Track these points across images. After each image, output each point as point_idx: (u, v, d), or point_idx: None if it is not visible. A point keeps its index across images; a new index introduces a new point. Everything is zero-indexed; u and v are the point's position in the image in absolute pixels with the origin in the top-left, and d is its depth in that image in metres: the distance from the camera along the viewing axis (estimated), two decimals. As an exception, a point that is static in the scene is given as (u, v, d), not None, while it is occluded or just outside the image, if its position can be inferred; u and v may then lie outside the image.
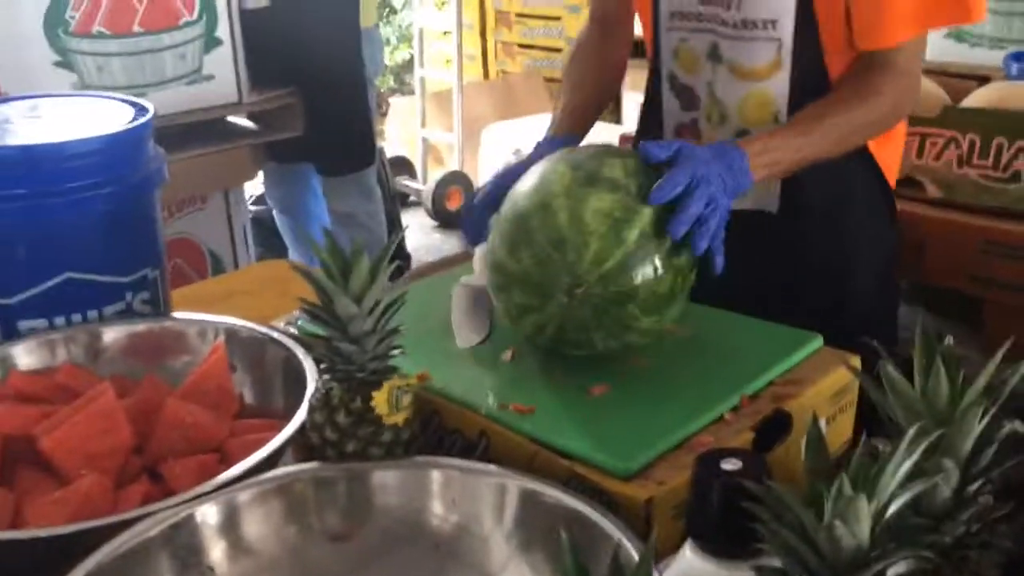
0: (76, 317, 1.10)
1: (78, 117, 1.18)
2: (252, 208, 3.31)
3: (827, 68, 1.22)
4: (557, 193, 0.96)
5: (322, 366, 0.86)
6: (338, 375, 0.85)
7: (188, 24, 2.41)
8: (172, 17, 2.37)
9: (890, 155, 1.35)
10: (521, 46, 5.08)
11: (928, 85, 1.60)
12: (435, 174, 4.72)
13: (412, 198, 4.87)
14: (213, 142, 2.56)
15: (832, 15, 1.19)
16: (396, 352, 0.86)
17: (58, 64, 2.21)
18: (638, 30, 1.43)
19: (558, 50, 4.92)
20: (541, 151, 1.18)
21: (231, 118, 2.73)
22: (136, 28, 2.31)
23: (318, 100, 2.76)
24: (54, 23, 2.18)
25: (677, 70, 1.34)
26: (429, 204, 4.59)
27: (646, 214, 0.95)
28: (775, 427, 0.91)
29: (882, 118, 1.22)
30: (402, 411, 0.84)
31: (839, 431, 0.99)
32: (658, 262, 0.95)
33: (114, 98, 1.25)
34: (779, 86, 1.24)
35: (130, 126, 1.14)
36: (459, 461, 0.84)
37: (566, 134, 1.30)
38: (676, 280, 0.97)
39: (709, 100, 1.31)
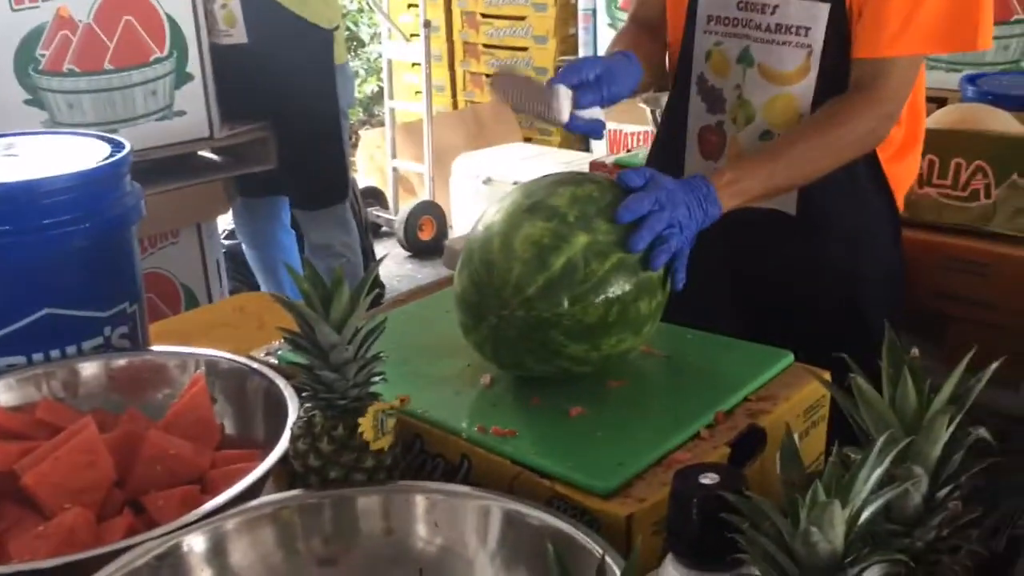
0: (55, 353, 1.11)
1: (54, 154, 1.19)
2: (225, 242, 3.31)
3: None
4: (499, 220, 0.99)
5: (304, 394, 0.87)
6: (320, 403, 0.86)
7: (158, 60, 2.42)
8: (143, 54, 2.39)
9: (903, 172, 1.39)
10: (489, 76, 5.13)
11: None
12: (407, 204, 4.73)
13: (384, 228, 4.88)
14: (185, 177, 2.56)
15: None
16: (377, 380, 0.87)
17: (28, 102, 2.21)
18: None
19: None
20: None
21: (202, 152, 2.75)
22: (107, 65, 2.32)
23: (294, 135, 2.79)
24: (24, 61, 2.18)
25: (708, 73, 1.37)
26: (401, 234, 4.61)
27: (578, 243, 0.96)
28: (750, 442, 0.93)
29: (856, 142, 1.25)
30: (387, 435, 0.86)
31: (812, 445, 1.01)
32: (588, 291, 0.95)
33: (89, 135, 1.26)
34: (805, 89, 1.28)
35: (107, 162, 1.15)
36: (442, 484, 0.85)
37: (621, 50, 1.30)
38: (610, 311, 0.96)
39: (736, 103, 1.35)
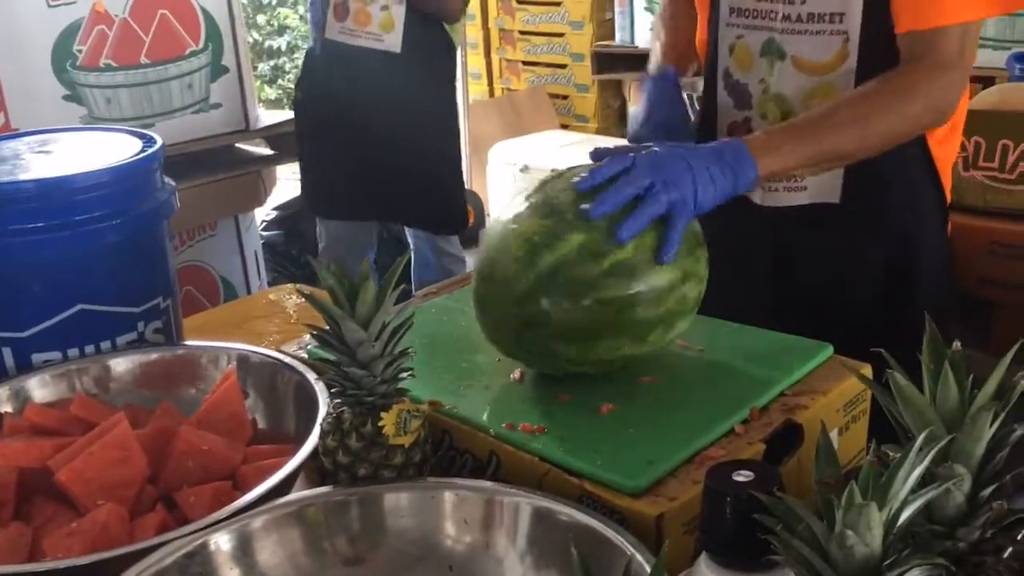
0: (89, 348, 1.11)
1: (87, 150, 1.20)
2: (264, 234, 3.33)
3: (895, 58, 1.19)
4: (510, 219, 0.97)
5: (333, 390, 0.87)
6: (349, 399, 0.86)
7: (194, 53, 2.44)
8: (178, 47, 2.40)
9: (948, 156, 1.32)
10: (525, 63, 5.10)
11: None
12: (444, 193, 4.73)
13: (422, 218, 4.88)
14: (222, 169, 2.58)
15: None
16: (405, 376, 0.86)
17: (67, 98, 2.23)
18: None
19: (563, 66, 4.94)
20: (648, 87, 1.34)
21: (240, 145, 2.76)
22: (143, 59, 2.34)
23: (422, 157, 2.76)
24: (62, 57, 2.20)
25: (732, 67, 1.34)
26: (439, 223, 4.60)
27: (572, 242, 0.91)
28: (786, 439, 0.91)
29: (913, 118, 1.16)
30: (410, 434, 0.85)
31: (852, 441, 0.99)
32: (578, 293, 0.91)
33: (122, 130, 1.26)
34: (845, 78, 1.23)
35: (138, 157, 1.15)
36: (471, 481, 0.84)
37: (668, 67, 1.38)
38: (601, 314, 0.91)
39: (762, 97, 1.31)
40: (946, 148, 1.31)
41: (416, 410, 0.85)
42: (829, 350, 1.02)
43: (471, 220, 4.61)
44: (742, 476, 0.67)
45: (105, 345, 1.12)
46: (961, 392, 0.63)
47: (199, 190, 2.49)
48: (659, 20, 1.49)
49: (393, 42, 2.61)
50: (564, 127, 4.95)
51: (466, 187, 4.68)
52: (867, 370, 1.00)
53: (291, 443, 0.98)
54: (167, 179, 1.23)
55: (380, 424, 0.84)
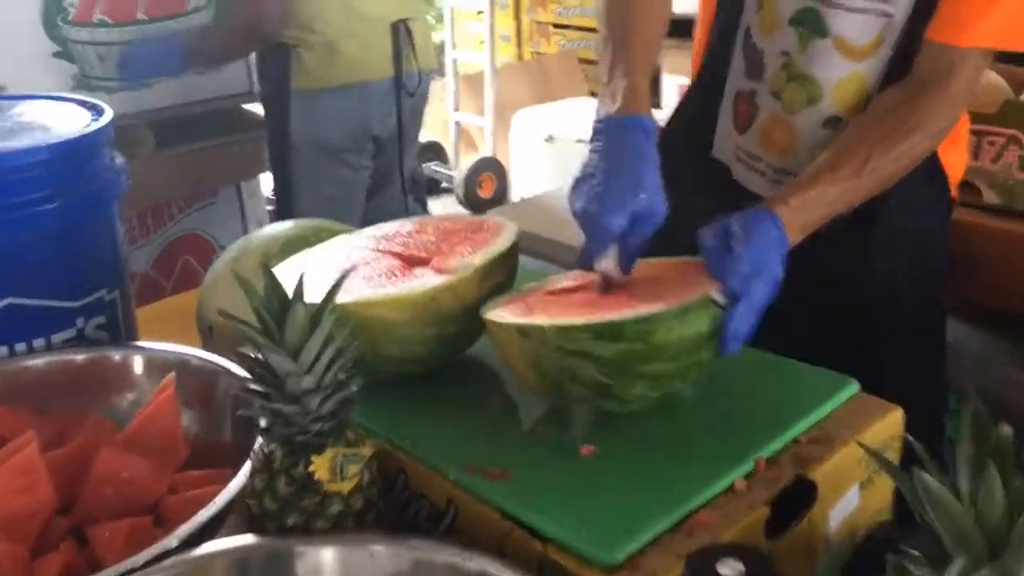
0: (20, 346, 1.00)
1: (26, 123, 1.07)
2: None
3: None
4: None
5: (261, 426, 0.74)
6: (277, 437, 0.73)
7: (196, 10, 2.30)
8: (178, 3, 2.26)
9: (958, 161, 1.19)
10: (556, 26, 4.91)
11: (987, 75, 1.42)
12: (467, 160, 4.59)
13: (444, 184, 4.75)
14: (223, 133, 2.45)
15: None
16: (348, 410, 0.73)
17: (57, 55, 2.11)
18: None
19: (594, 30, 4.75)
20: (604, 129, 0.93)
21: (246, 107, 2.63)
22: (140, 15, 2.21)
23: None
24: (52, 11, 2.08)
25: (755, 26, 1.16)
26: (460, 191, 4.47)
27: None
28: (795, 497, 0.77)
29: (928, 147, 1.06)
30: (348, 480, 0.72)
31: (876, 496, 0.85)
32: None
33: (70, 99, 1.13)
34: (876, 67, 1.08)
35: (81, 133, 1.02)
36: (409, 538, 0.71)
37: (633, 114, 0.94)
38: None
39: (780, 73, 1.13)
40: (954, 154, 1.17)
41: (355, 454, 0.72)
42: (853, 387, 0.88)
43: (492, 188, 4.48)
44: (728, 568, 0.55)
45: (39, 343, 1.00)
46: (1008, 499, 0.49)
47: (199, 155, 2.38)
48: (610, 9, 1.08)
49: None
50: (593, 94, 4.77)
51: (489, 154, 4.54)
52: (896, 414, 0.86)
53: (229, 467, 0.86)
54: (117, 156, 1.10)
55: (311, 468, 0.71)
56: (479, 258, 0.87)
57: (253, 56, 2.38)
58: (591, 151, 0.92)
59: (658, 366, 0.78)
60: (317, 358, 0.70)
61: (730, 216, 0.88)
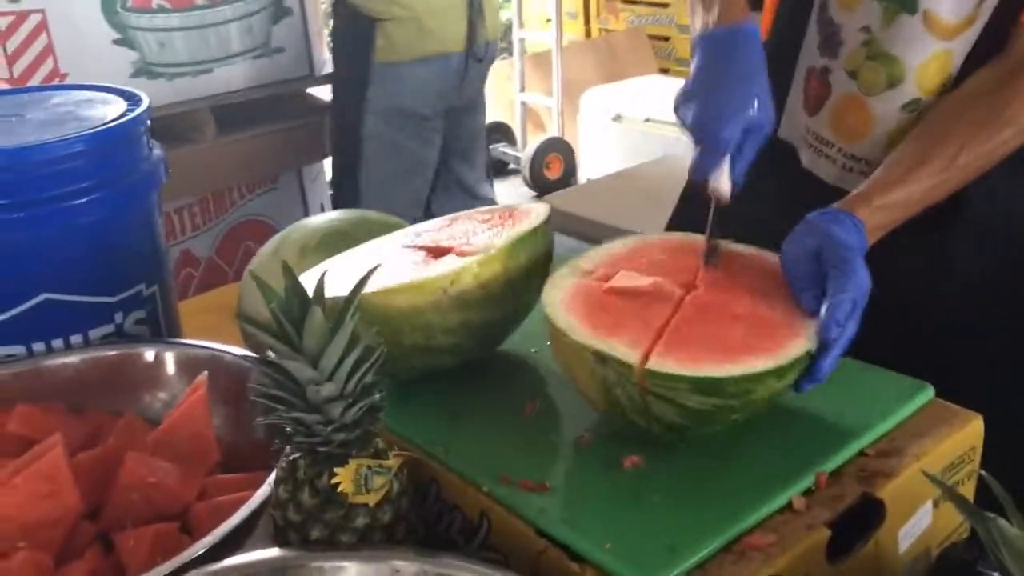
0: (57, 342, 0.98)
1: (62, 114, 1.05)
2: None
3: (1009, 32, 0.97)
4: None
5: (283, 435, 0.70)
6: (300, 447, 0.69)
7: (255, -6, 2.28)
8: (237, -13, 2.25)
9: None
10: (625, 1, 4.80)
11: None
12: (534, 140, 4.53)
13: (511, 166, 4.69)
14: (284, 118, 2.44)
15: None
16: (373, 419, 0.69)
17: (117, 42, 2.11)
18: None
19: (664, 5, 4.63)
20: (707, 43, 0.95)
21: (309, 90, 2.61)
22: (199, 1, 2.20)
23: None
24: (112, -1, 2.08)
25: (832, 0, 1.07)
26: (527, 172, 4.42)
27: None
28: (861, 517, 0.70)
29: (1016, 147, 0.96)
30: (375, 492, 0.68)
31: (951, 512, 0.77)
32: None
33: (108, 88, 1.11)
34: (963, 46, 0.99)
35: (118, 122, 1.00)
36: (435, 554, 0.66)
37: (734, 23, 0.96)
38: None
39: (858, 51, 1.04)
40: None
41: (381, 465, 0.68)
42: (928, 392, 0.80)
43: (559, 168, 4.41)
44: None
45: (76, 339, 0.99)
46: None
47: (259, 140, 2.37)
48: None
49: None
50: (663, 71, 4.65)
51: (556, 135, 4.47)
52: (977, 424, 0.78)
53: (262, 468, 0.83)
54: (155, 145, 1.07)
55: (335, 480, 0.67)
56: (501, 239, 0.83)
57: (321, 40, 2.38)
58: (696, 67, 0.94)
59: (743, 416, 0.74)
60: (339, 364, 0.66)
61: (810, 223, 0.83)
